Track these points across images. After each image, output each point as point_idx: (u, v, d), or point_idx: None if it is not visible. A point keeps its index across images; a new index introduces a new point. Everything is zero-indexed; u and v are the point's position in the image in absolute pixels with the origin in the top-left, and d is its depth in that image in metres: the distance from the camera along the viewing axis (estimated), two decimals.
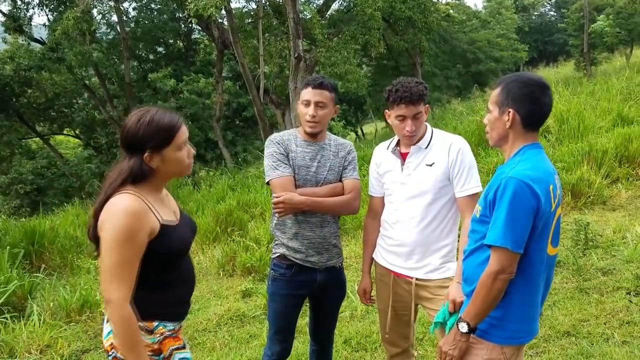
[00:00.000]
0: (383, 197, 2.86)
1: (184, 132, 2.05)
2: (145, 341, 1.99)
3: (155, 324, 2.03)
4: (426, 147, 2.69)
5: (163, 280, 2.05)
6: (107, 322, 2.04)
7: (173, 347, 2.08)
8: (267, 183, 2.82)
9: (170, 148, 2.01)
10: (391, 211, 2.79)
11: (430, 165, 2.66)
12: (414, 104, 2.59)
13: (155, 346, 2.02)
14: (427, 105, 2.69)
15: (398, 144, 2.78)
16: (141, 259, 1.94)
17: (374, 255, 2.95)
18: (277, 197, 2.69)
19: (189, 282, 2.19)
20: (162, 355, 2.04)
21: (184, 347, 2.12)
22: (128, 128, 1.99)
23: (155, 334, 2.03)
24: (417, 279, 2.72)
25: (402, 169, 2.72)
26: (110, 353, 2.02)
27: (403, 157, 2.74)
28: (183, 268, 2.13)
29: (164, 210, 2.06)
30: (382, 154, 2.87)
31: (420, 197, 2.66)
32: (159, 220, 1.98)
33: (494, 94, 2.12)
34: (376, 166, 2.89)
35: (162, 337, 2.04)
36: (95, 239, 1.97)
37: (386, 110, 2.75)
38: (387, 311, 2.85)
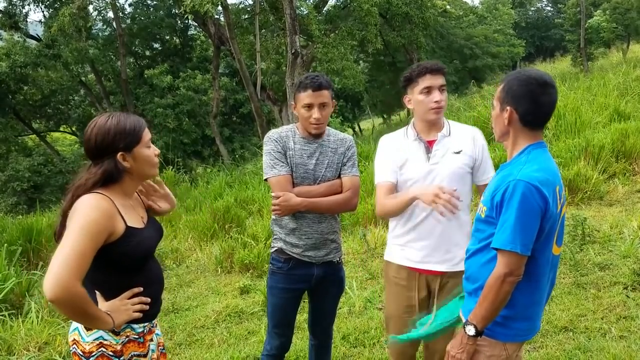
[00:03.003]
0: (396, 184, 2.72)
1: (147, 131, 2.11)
2: (109, 341, 2.01)
3: (123, 325, 2.04)
4: (449, 135, 2.68)
5: (130, 282, 2.07)
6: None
7: (135, 353, 2.08)
8: (265, 180, 2.82)
9: (140, 145, 2.05)
10: (413, 206, 2.65)
11: (458, 153, 2.64)
12: (439, 72, 2.61)
13: (118, 347, 2.03)
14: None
15: (417, 133, 2.69)
16: (106, 262, 1.97)
17: (386, 257, 2.84)
18: (274, 198, 2.70)
19: (156, 283, 2.20)
20: (122, 358, 2.04)
21: (145, 356, 2.13)
22: (96, 132, 2.01)
23: (121, 335, 2.04)
24: (445, 272, 2.65)
25: (428, 158, 2.65)
26: (71, 348, 2.06)
27: (429, 145, 2.68)
28: (149, 270, 2.16)
29: (131, 214, 2.09)
30: (401, 142, 2.74)
31: (450, 186, 2.57)
32: (124, 223, 2.01)
33: (498, 90, 2.12)
34: (395, 153, 2.72)
35: (126, 339, 2.06)
36: (62, 235, 1.99)
37: (405, 96, 2.72)
38: (404, 318, 2.72)
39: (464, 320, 2.13)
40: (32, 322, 4.55)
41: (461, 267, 2.63)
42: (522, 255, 1.95)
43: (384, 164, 2.75)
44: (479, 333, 2.06)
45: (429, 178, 2.63)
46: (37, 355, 4.16)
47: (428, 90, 2.61)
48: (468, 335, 2.07)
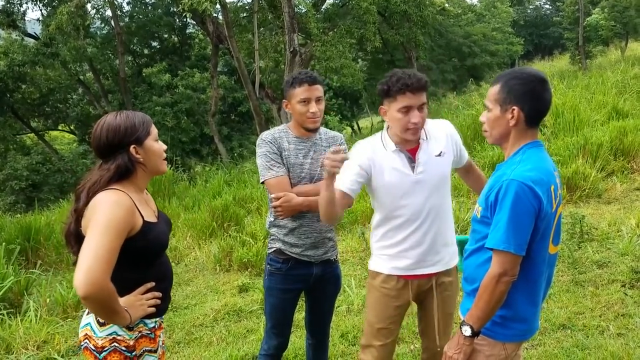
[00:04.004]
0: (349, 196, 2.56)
1: (154, 126, 2.16)
2: (122, 336, 2.03)
3: (137, 321, 2.06)
4: (427, 139, 2.59)
5: (143, 278, 2.09)
6: (88, 314, 2.09)
7: (146, 348, 2.11)
8: (262, 183, 2.81)
9: (150, 139, 2.10)
10: (404, 219, 2.57)
11: (439, 155, 2.58)
12: (421, 90, 2.42)
13: (131, 342, 2.05)
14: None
15: (395, 143, 2.56)
16: (123, 257, 1.97)
17: (373, 268, 2.74)
18: (274, 200, 2.70)
19: (167, 279, 2.24)
20: (134, 353, 2.06)
21: (155, 352, 2.15)
22: (106, 129, 2.04)
23: (134, 331, 2.06)
24: (438, 272, 2.65)
25: (412, 168, 2.54)
26: (82, 343, 2.08)
27: (412, 154, 2.55)
28: (161, 265, 2.18)
29: (146, 209, 2.11)
30: (379, 154, 2.56)
31: (438, 190, 2.58)
32: (142, 217, 2.04)
33: (494, 91, 2.08)
34: (372, 162, 2.55)
35: (139, 334, 2.08)
36: (76, 234, 2.02)
37: (381, 107, 2.55)
38: (389, 328, 2.69)
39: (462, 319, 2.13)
40: (31, 320, 4.55)
41: (453, 263, 2.68)
42: (516, 255, 1.95)
43: (349, 172, 2.52)
44: (475, 333, 2.06)
45: (418, 188, 2.53)
46: (35, 354, 4.17)
47: (407, 110, 2.43)
48: (464, 335, 2.07)
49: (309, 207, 2.73)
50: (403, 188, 2.54)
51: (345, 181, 2.52)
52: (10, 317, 4.67)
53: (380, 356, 2.72)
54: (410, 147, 2.56)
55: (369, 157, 2.57)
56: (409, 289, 2.66)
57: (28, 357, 4.11)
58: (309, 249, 2.83)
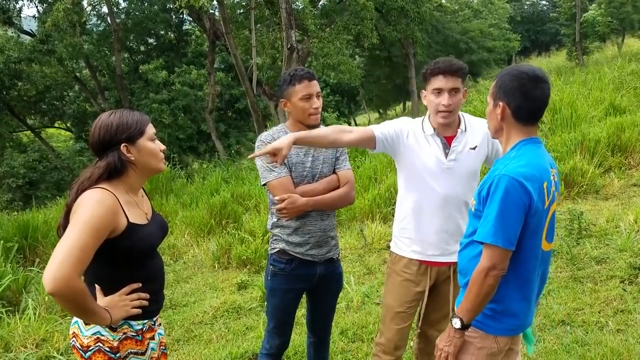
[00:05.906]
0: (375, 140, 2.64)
1: (151, 126, 2.14)
2: (106, 336, 2.02)
3: (121, 322, 2.04)
4: (465, 131, 2.66)
5: (130, 278, 2.08)
6: None
7: (132, 351, 2.08)
8: (264, 185, 2.77)
9: (144, 138, 2.08)
10: (428, 202, 2.65)
11: (473, 149, 2.64)
12: (454, 74, 2.52)
13: (115, 344, 2.03)
14: (465, 88, 2.63)
15: (434, 128, 2.63)
16: (108, 257, 1.97)
17: (394, 250, 2.83)
18: (279, 202, 2.67)
19: (157, 280, 2.21)
20: (118, 354, 2.03)
21: (142, 354, 2.12)
22: (99, 127, 2.05)
23: (118, 332, 2.04)
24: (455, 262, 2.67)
25: (445, 154, 2.61)
26: (71, 341, 2.08)
27: (448, 141, 2.63)
28: (150, 266, 2.16)
29: (135, 211, 2.09)
30: (419, 133, 2.66)
31: (466, 182, 2.63)
32: (127, 219, 2.02)
33: (491, 86, 2.14)
34: (413, 136, 2.65)
35: (123, 336, 2.06)
36: (65, 229, 1.99)
37: (422, 90, 2.68)
38: (406, 312, 2.76)
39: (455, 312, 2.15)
40: (30, 319, 4.54)
41: None
42: (505, 249, 1.97)
43: (390, 124, 2.69)
44: (465, 326, 2.08)
45: (446, 174, 2.61)
46: (34, 352, 4.16)
47: (439, 91, 2.56)
48: (454, 328, 2.10)
49: (314, 206, 2.72)
50: (432, 171, 2.62)
51: (381, 126, 2.68)
52: (9, 315, 4.66)
53: (397, 338, 2.78)
54: (447, 134, 2.64)
55: (412, 128, 2.68)
56: (427, 276, 2.72)
57: (27, 355, 4.10)
58: (313, 248, 2.81)
